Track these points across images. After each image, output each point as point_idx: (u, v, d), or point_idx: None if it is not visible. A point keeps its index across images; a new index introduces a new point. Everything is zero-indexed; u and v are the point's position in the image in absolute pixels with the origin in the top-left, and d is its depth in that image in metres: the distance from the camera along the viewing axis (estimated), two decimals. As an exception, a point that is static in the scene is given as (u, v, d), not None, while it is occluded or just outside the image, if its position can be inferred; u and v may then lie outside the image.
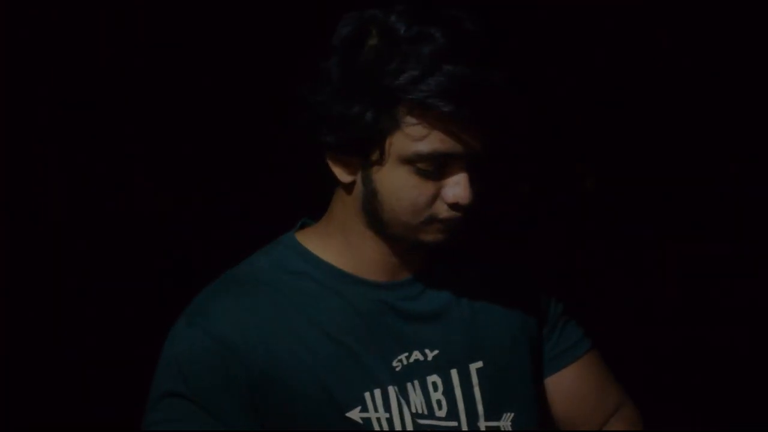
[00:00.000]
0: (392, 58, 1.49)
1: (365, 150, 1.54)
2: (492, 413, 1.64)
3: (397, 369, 1.61)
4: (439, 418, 1.61)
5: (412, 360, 1.62)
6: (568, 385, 1.73)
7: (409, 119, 1.51)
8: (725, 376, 3.46)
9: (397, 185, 1.54)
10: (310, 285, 1.62)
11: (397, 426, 1.59)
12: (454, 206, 1.54)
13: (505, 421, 1.64)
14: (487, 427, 1.63)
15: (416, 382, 1.61)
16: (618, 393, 1.77)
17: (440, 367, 1.63)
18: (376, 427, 1.58)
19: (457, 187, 1.53)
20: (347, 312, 1.61)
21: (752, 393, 3.35)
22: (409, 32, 1.50)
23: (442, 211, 1.54)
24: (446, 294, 1.66)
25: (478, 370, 1.64)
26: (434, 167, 1.52)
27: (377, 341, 1.60)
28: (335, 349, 1.58)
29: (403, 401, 1.60)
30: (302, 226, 1.69)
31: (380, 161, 1.54)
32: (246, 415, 1.56)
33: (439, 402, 1.62)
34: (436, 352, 1.63)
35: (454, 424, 1.62)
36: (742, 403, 3.33)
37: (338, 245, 1.63)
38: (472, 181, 1.54)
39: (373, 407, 1.59)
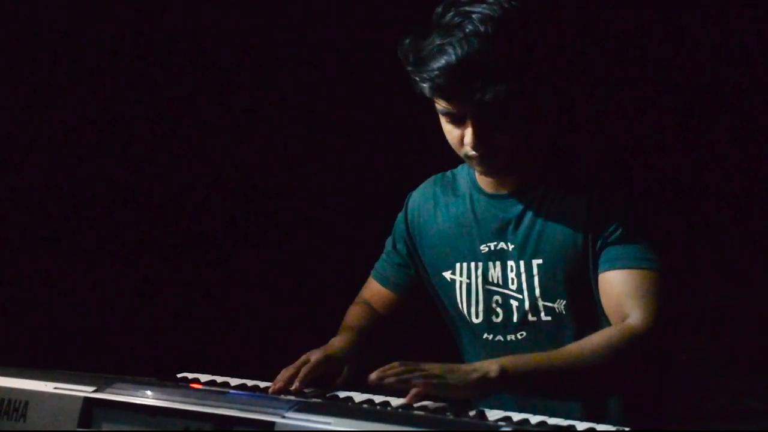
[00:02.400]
0: (425, 43, 2.11)
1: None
2: (548, 297, 2.20)
3: (484, 251, 2.27)
4: (511, 290, 2.25)
5: (498, 248, 2.26)
6: (602, 286, 2.20)
7: None
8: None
9: (443, 127, 2.19)
10: (456, 187, 2.37)
11: (473, 289, 2.28)
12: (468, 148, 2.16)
13: (558, 305, 2.20)
14: (544, 305, 2.20)
15: (498, 263, 2.26)
16: (632, 308, 2.14)
17: (515, 257, 2.24)
18: (457, 287, 2.30)
19: (466, 136, 2.13)
20: (467, 208, 2.32)
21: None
22: (439, 24, 2.10)
23: (469, 150, 2.15)
24: (529, 207, 2.23)
25: (538, 265, 2.22)
26: (450, 120, 2.15)
27: (478, 230, 2.29)
28: (455, 227, 2.32)
29: (481, 274, 2.27)
30: None
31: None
32: (406, 247, 2.41)
33: (512, 279, 2.24)
34: (512, 246, 2.25)
35: (521, 296, 2.23)
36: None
37: None
38: (480, 132, 2.11)
39: (459, 273, 2.30)
